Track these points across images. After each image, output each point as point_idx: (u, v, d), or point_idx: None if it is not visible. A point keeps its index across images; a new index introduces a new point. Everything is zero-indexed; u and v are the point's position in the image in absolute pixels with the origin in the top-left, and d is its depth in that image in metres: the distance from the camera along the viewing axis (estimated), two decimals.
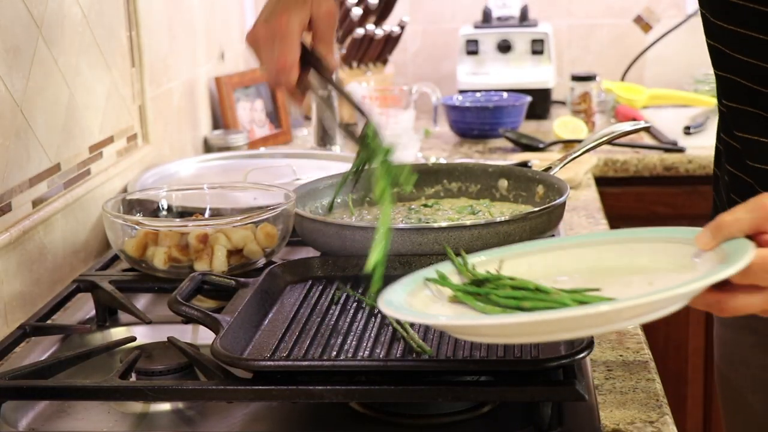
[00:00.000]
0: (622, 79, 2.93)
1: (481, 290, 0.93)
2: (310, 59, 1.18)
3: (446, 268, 0.98)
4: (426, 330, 1.06)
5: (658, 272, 0.92)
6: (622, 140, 2.31)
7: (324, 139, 2.26)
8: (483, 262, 1.00)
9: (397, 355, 1.01)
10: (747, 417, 1.38)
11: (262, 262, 1.37)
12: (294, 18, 1.15)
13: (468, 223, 1.26)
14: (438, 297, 0.95)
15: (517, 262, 1.00)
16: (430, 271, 0.97)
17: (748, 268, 0.82)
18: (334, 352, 1.03)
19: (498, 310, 0.89)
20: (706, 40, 1.25)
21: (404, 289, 0.94)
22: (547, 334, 0.84)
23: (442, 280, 0.96)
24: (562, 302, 0.85)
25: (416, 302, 0.92)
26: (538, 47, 2.71)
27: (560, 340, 0.98)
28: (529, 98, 2.51)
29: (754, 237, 0.87)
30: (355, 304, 1.15)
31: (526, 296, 0.89)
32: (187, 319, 1.12)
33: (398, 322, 1.07)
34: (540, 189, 1.48)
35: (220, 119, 2.35)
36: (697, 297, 0.84)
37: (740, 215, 0.87)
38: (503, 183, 1.53)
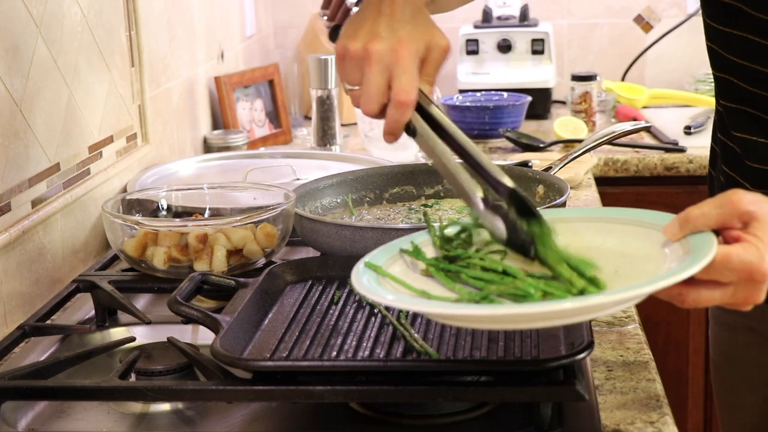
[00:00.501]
0: (623, 78, 2.93)
1: (452, 267, 0.95)
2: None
3: (424, 237, 1.01)
4: (426, 330, 1.06)
5: (626, 258, 0.93)
6: (623, 140, 2.31)
7: (324, 138, 2.26)
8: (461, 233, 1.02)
9: (397, 355, 1.01)
10: (743, 416, 1.38)
11: (262, 262, 1.37)
12: (419, 46, 0.97)
13: None
14: (412, 269, 0.97)
15: None
16: (407, 241, 1.00)
17: (710, 264, 0.84)
18: (334, 352, 1.02)
19: (465, 291, 0.91)
20: (705, 41, 1.25)
21: (382, 258, 0.96)
22: (504, 323, 0.87)
23: (416, 253, 0.98)
24: (526, 291, 0.87)
25: (392, 272, 0.95)
26: (538, 47, 2.71)
27: (520, 330, 1.02)
28: (529, 98, 2.51)
29: (720, 232, 0.88)
30: (355, 304, 1.15)
31: (493, 279, 0.91)
32: (187, 319, 1.12)
33: (400, 322, 1.07)
34: (540, 189, 1.47)
35: (220, 119, 2.34)
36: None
37: (708, 210, 0.88)
38: None
